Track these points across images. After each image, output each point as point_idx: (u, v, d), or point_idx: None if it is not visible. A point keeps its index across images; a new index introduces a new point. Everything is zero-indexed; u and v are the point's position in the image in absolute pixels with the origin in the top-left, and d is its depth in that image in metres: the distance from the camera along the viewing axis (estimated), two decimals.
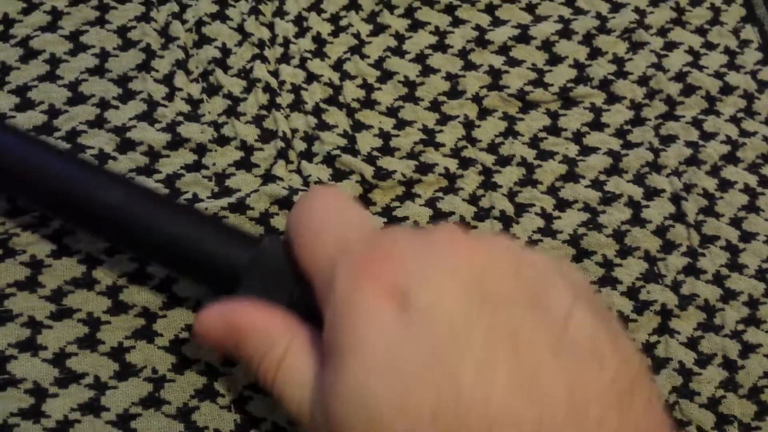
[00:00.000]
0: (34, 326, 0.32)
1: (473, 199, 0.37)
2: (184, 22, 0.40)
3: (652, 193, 0.39)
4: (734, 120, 0.41)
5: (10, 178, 0.30)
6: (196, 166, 0.36)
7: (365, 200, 0.36)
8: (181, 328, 0.33)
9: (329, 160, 0.37)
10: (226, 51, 0.39)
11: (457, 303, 0.23)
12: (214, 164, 0.36)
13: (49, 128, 0.36)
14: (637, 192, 0.39)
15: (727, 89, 0.42)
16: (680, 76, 0.42)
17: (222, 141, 0.37)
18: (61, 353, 0.32)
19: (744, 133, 0.41)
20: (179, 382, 0.32)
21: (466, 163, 0.38)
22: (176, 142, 0.36)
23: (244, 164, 0.36)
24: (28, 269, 0.33)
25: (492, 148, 0.38)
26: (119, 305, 0.33)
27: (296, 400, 0.25)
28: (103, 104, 0.37)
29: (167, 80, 0.38)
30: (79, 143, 0.36)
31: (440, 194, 0.37)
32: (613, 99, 0.41)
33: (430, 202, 0.37)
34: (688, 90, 0.42)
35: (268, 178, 0.36)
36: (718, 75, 0.42)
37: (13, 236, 0.34)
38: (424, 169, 0.37)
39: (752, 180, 0.40)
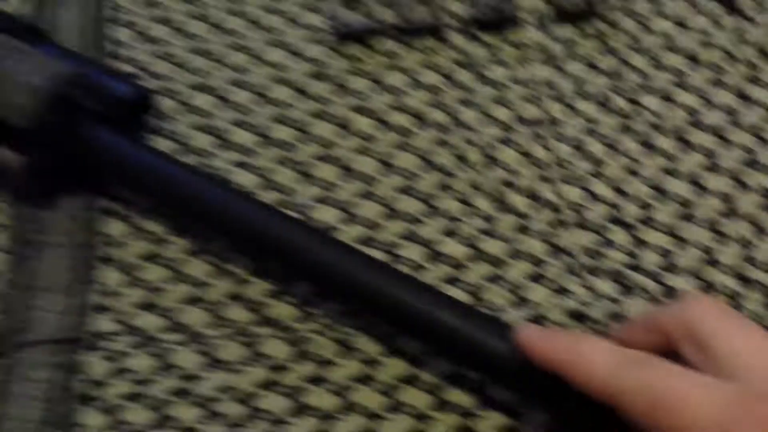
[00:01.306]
0: (372, 417, 0.39)
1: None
2: (475, 146, 0.46)
3: None
4: None
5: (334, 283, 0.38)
6: (495, 278, 0.42)
7: None
8: (494, 428, 0.39)
9: (615, 275, 0.42)
10: (513, 172, 0.45)
11: None
12: (510, 276, 0.42)
13: (369, 240, 0.43)
14: None
15: None
16: None
17: (516, 255, 0.43)
18: None
19: None
20: None
21: (748, 283, 0.42)
22: (476, 256, 0.42)
23: (537, 278, 0.42)
24: (364, 366, 0.40)
25: None
26: (442, 403, 0.39)
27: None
28: (413, 220, 0.44)
29: (464, 199, 0.44)
30: (394, 253, 0.43)
31: None
32: None
33: None
34: None
35: (561, 291, 0.41)
36: None
37: (351, 336, 0.41)
38: (708, 287, 0.41)
39: None
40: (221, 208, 0.40)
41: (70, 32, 0.49)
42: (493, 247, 0.42)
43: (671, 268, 0.42)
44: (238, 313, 0.41)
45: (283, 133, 0.46)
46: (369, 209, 0.44)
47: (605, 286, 0.41)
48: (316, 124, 0.47)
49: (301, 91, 0.47)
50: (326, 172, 0.45)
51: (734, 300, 0.41)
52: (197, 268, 0.42)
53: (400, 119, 0.46)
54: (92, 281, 0.42)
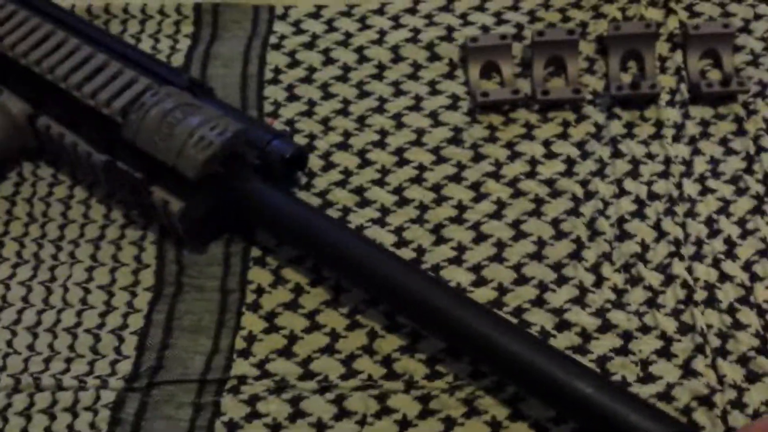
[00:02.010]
0: None
1: None
2: (607, 217, 0.47)
3: None
4: None
5: (495, 354, 0.40)
6: (623, 351, 0.43)
7: None
8: None
9: (744, 360, 0.42)
10: (645, 246, 0.46)
11: None
12: (639, 351, 0.43)
13: (499, 303, 0.44)
14: None
15: None
16: None
17: (645, 330, 0.43)
18: None
19: None
20: None
21: None
22: (605, 327, 0.43)
23: (665, 354, 0.43)
24: (490, 428, 0.41)
25: None
26: None
27: None
28: (542, 286, 0.45)
29: (595, 269, 0.45)
30: (523, 319, 0.44)
31: None
32: None
33: None
34: None
35: (688, 371, 0.42)
36: None
37: (478, 398, 0.42)
38: None
39: None
40: (363, 259, 0.42)
41: (226, 88, 0.52)
42: (623, 320, 0.43)
43: None
44: (369, 366, 0.43)
45: (418, 193, 0.48)
46: (499, 273, 0.45)
47: (732, 370, 0.41)
48: (451, 187, 0.48)
49: (439, 156, 0.49)
50: (459, 233, 0.47)
51: None
52: (333, 318, 0.44)
53: (533, 187, 0.48)
54: (238, 327, 0.44)
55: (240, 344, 0.44)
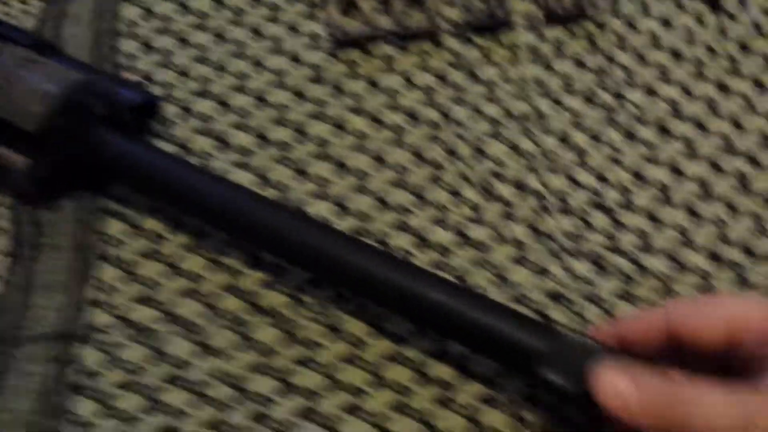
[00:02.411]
0: (357, 393, 0.41)
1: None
2: (465, 140, 0.48)
3: None
4: None
5: (353, 276, 0.39)
6: (480, 263, 0.44)
7: (627, 296, 0.42)
8: (474, 398, 0.40)
9: (594, 257, 0.44)
10: (501, 164, 0.47)
11: None
12: (495, 260, 0.44)
13: (362, 231, 0.45)
14: None
15: None
16: None
17: (501, 240, 0.44)
18: (381, 416, 0.40)
19: None
20: None
21: (720, 261, 0.43)
22: (463, 242, 0.44)
23: (521, 261, 0.44)
24: (352, 347, 0.42)
25: (746, 249, 0.43)
26: (423, 377, 0.41)
27: (719, 425, 0.30)
28: (404, 210, 0.46)
29: (453, 190, 0.46)
30: (386, 242, 0.45)
31: (696, 293, 0.42)
32: None
33: None
34: None
35: (542, 273, 0.43)
36: None
37: (341, 321, 0.43)
38: (681, 268, 0.43)
39: None
40: (222, 201, 0.42)
41: (78, 45, 0.52)
42: (479, 233, 0.44)
43: (648, 248, 0.43)
44: (231, 303, 0.43)
45: (281, 134, 0.48)
46: (362, 202, 0.45)
47: (583, 267, 0.43)
48: (313, 124, 0.49)
49: (300, 95, 0.49)
50: (322, 169, 0.47)
51: (706, 280, 0.42)
52: (193, 262, 0.44)
53: (395, 118, 0.48)
54: (90, 278, 0.44)
55: (99, 296, 0.43)
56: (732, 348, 0.33)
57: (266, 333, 0.42)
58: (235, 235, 0.44)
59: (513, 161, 0.46)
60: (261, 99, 0.50)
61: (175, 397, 0.40)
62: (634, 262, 0.42)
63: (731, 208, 0.44)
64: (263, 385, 0.40)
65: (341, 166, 0.47)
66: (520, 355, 0.36)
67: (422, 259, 0.43)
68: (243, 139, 0.48)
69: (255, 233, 0.41)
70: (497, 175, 0.46)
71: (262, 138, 0.48)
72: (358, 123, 0.48)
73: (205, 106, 0.50)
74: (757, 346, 0.32)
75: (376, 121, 0.48)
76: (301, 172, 0.47)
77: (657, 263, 0.42)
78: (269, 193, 0.46)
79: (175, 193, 0.43)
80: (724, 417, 0.30)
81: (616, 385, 0.32)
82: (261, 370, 0.41)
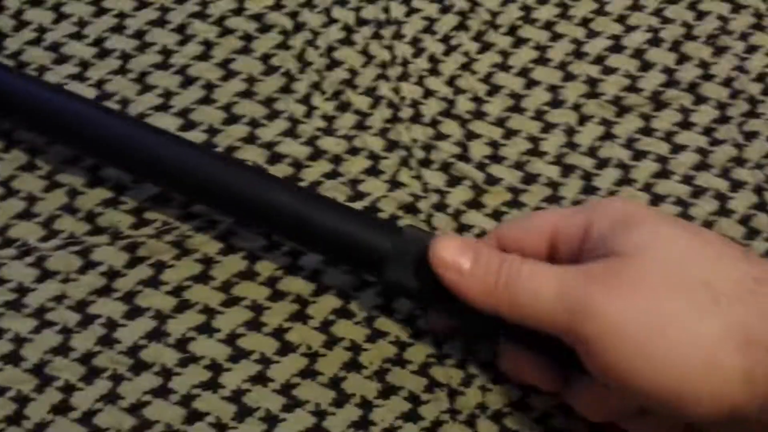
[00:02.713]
0: (208, 313, 0.40)
1: (575, 204, 0.43)
2: (316, 48, 0.46)
3: (736, 186, 0.43)
4: None
5: (193, 183, 0.38)
6: (333, 174, 0.43)
7: (476, 204, 0.42)
8: (329, 311, 0.40)
9: (445, 167, 0.43)
10: (354, 72, 0.45)
11: None
12: (348, 172, 0.43)
13: (210, 145, 0.43)
14: (723, 185, 0.43)
15: None
16: (761, 77, 0.46)
17: (354, 151, 0.43)
18: (232, 334, 0.39)
19: None
20: (330, 357, 0.39)
21: (568, 170, 0.43)
22: (316, 154, 0.43)
23: (373, 171, 0.43)
24: (201, 265, 0.40)
25: (591, 151, 0.44)
26: (277, 293, 0.40)
27: (542, 295, 0.31)
28: (254, 123, 0.44)
29: (305, 100, 0.44)
30: (236, 157, 0.43)
31: (544, 204, 0.42)
32: (700, 100, 0.46)
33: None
34: None
35: (394, 184, 0.42)
36: None
37: (188, 237, 0.41)
38: (530, 179, 0.43)
39: None
40: (60, 111, 0.39)
41: None
42: (331, 144, 0.43)
43: (498, 158, 0.43)
44: (71, 224, 0.41)
45: (120, 43, 0.45)
46: (209, 114, 0.43)
47: (435, 177, 0.42)
48: (155, 32, 0.46)
49: (142, 2, 0.47)
50: (164, 80, 0.45)
51: (555, 189, 0.42)
52: (30, 183, 0.42)
53: (242, 24, 0.46)
54: None
55: None
56: (552, 256, 0.34)
57: (107, 253, 0.40)
58: (75, 147, 0.41)
59: (366, 69, 0.45)
60: (98, 6, 0.46)
61: (17, 324, 0.39)
62: (485, 171, 0.42)
63: (580, 114, 0.44)
64: (107, 308, 0.39)
65: (186, 76, 0.44)
66: (365, 255, 0.35)
67: (274, 172, 0.42)
68: (80, 50, 0.45)
69: (97, 146, 0.39)
70: (350, 84, 0.44)
71: (101, 48, 0.45)
72: (204, 30, 0.46)
73: (38, 15, 0.46)
74: (570, 252, 0.34)
75: (223, 28, 0.46)
76: (143, 84, 0.44)
77: (507, 173, 0.42)
78: (110, 106, 0.43)
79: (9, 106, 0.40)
80: (546, 287, 0.31)
81: (453, 254, 0.33)
82: (104, 293, 0.39)
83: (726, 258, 0.30)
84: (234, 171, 0.37)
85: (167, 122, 0.43)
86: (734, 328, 0.29)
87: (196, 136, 0.43)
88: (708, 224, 0.42)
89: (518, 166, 0.43)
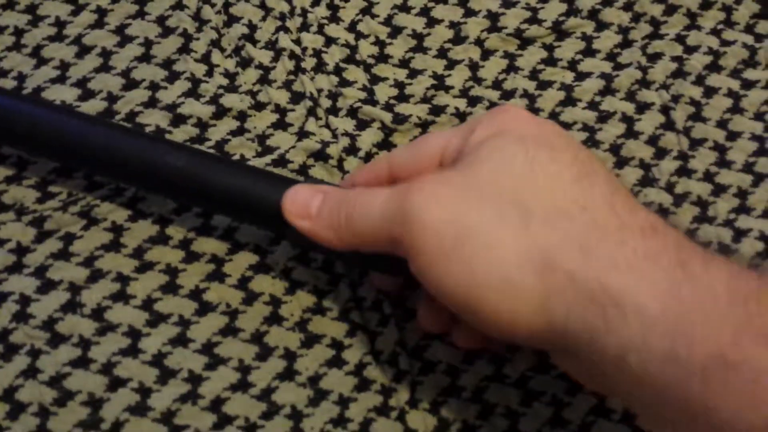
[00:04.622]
0: (122, 280, 0.39)
1: None
2: (213, 5, 0.45)
3: (643, 107, 0.44)
4: (715, 32, 0.46)
5: (90, 155, 0.37)
6: (239, 131, 0.42)
7: (387, 144, 0.42)
8: (245, 268, 0.39)
9: (352, 112, 0.43)
10: (253, 27, 0.45)
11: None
12: (254, 127, 0.42)
13: (110, 113, 0.42)
14: (629, 108, 0.44)
15: (706, 4, 0.47)
16: None
17: (259, 106, 0.43)
18: (149, 299, 0.38)
19: (724, 43, 0.46)
20: (250, 313, 0.38)
21: (474, 101, 0.43)
22: (220, 112, 0.42)
23: (281, 125, 0.42)
24: (111, 233, 0.40)
25: (496, 84, 0.44)
26: (192, 255, 0.39)
27: (369, 214, 0.32)
28: (154, 86, 0.43)
29: (205, 59, 0.44)
30: (137, 122, 0.42)
31: None
32: (601, 26, 0.46)
33: None
34: (670, 9, 0.46)
35: (302, 134, 0.42)
36: None
37: (94, 207, 0.40)
38: (437, 110, 0.43)
39: (735, 84, 0.45)
40: None
41: None
42: (235, 101, 0.42)
43: (404, 97, 0.43)
44: None
45: (11, 18, 0.44)
46: (107, 82, 0.42)
47: (343, 123, 0.42)
48: (46, 4, 0.45)
49: None
50: (60, 51, 0.44)
51: (461, 119, 0.42)
52: None
53: None
54: None
55: None
56: None
57: (14, 229, 0.39)
58: None
59: (265, 23, 0.44)
60: None
61: None
62: (391, 111, 0.42)
63: (483, 48, 0.44)
64: (20, 284, 0.38)
65: (81, 46, 0.43)
66: (263, 212, 0.35)
67: (179, 135, 0.41)
68: None
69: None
70: (250, 39, 0.44)
71: None
72: None
73: None
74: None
75: None
76: (39, 58, 0.43)
77: (414, 109, 0.42)
78: (6, 83, 0.42)
79: None
80: (371, 205, 0.32)
81: (301, 202, 0.34)
82: (14, 269, 0.38)
83: (567, 185, 0.29)
84: (126, 140, 0.37)
85: (65, 94, 0.42)
86: (534, 250, 0.28)
87: (96, 104, 0.42)
88: (616, 147, 0.43)
89: (425, 100, 0.42)
